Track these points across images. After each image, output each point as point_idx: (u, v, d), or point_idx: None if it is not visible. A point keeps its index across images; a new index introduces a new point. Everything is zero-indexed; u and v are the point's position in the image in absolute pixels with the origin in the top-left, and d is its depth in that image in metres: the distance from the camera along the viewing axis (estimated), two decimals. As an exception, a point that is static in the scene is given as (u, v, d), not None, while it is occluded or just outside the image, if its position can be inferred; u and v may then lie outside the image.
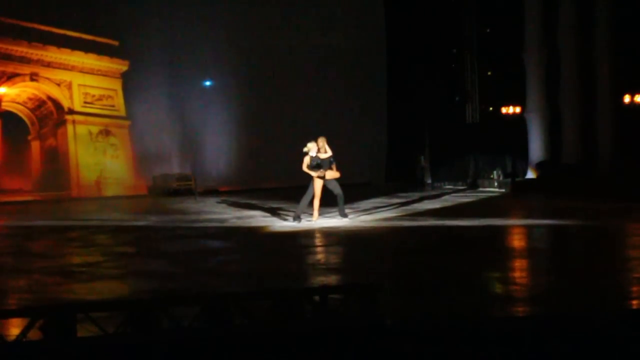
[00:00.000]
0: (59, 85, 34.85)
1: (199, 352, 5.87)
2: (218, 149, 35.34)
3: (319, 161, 17.55)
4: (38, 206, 28.49)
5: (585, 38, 28.21)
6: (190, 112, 35.15)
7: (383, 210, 20.77)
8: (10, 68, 33.73)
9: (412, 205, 22.78)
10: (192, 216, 21.25)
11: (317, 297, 6.71)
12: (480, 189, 30.31)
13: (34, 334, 6.01)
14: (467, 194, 27.67)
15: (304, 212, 18.16)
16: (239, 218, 19.99)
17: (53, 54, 34.47)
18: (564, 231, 16.36)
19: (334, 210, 18.49)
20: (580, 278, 10.27)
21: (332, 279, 10.66)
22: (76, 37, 34.79)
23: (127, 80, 35.69)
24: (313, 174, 17.54)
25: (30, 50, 33.94)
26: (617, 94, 27.40)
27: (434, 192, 28.52)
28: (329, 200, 18.37)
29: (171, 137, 35.04)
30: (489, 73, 34.96)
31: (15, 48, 33.63)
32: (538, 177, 29.00)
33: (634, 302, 8.86)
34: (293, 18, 34.76)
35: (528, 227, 17.29)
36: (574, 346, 6.14)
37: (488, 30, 34.70)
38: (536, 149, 29.92)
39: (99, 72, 35.80)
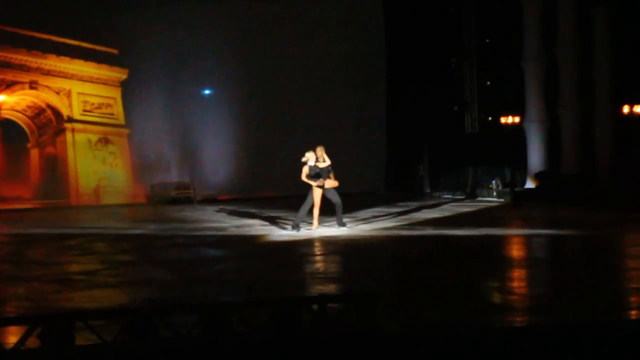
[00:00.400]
0: (58, 93, 34.85)
1: (197, 361, 5.88)
2: (217, 157, 35.30)
3: (317, 170, 17.56)
4: (37, 214, 28.48)
5: (584, 48, 28.26)
6: (190, 120, 35.13)
7: (382, 220, 20.77)
8: (9, 76, 33.73)
9: (410, 214, 22.77)
10: (190, 225, 21.24)
11: (315, 306, 6.71)
12: (479, 198, 30.31)
13: (33, 342, 6.01)
14: (466, 204, 27.67)
15: (303, 221, 18.16)
16: (237, 227, 19.99)
17: (52, 62, 34.47)
18: (562, 241, 16.36)
19: (333, 219, 18.48)
20: (579, 288, 10.26)
21: (330, 288, 10.65)
22: (75, 45, 34.80)
23: (127, 89, 35.68)
24: (312, 183, 17.55)
25: (30, 58, 33.95)
26: (616, 104, 27.43)
27: (432, 202, 28.51)
28: (327, 210, 18.37)
29: (170, 146, 35.02)
30: (488, 83, 35.00)
31: (14, 56, 33.64)
32: (537, 186, 29.01)
33: (633, 312, 8.85)
34: (292, 28, 34.77)
35: (526, 237, 17.29)
36: (573, 356, 6.14)
37: (487, 40, 34.75)
38: (535, 158, 29.93)
39: (99, 81, 35.79)
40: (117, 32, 34.03)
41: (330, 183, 17.68)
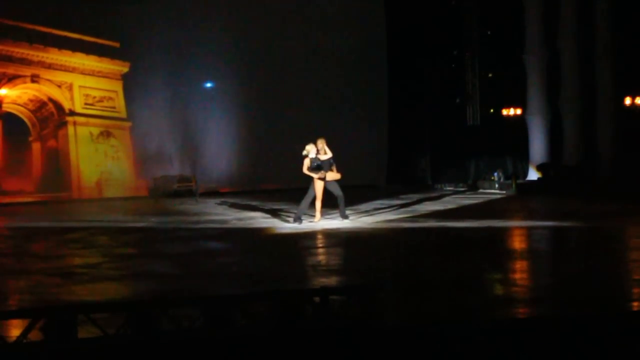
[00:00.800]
0: (59, 86, 34.86)
1: (199, 354, 5.87)
2: (219, 150, 35.32)
3: (319, 162, 17.55)
4: (39, 207, 28.48)
5: (586, 40, 28.22)
6: (191, 113, 35.15)
7: (384, 212, 20.76)
8: (11, 70, 33.74)
9: (412, 206, 22.77)
10: (192, 217, 21.24)
11: (317, 298, 6.70)
12: (481, 190, 30.30)
13: (35, 335, 6.01)
14: (468, 196, 27.66)
15: (305, 214, 18.16)
16: (239, 219, 19.99)
17: (54, 56, 34.48)
18: (564, 233, 16.35)
19: (335, 211, 18.48)
20: (581, 280, 10.25)
21: (332, 280, 10.65)
22: (77, 39, 34.81)
23: (128, 82, 35.71)
24: (314, 175, 17.53)
25: (31, 52, 33.96)
26: (618, 96, 27.40)
27: (434, 194, 28.49)
28: (329, 202, 18.36)
29: (172, 139, 35.04)
30: (490, 75, 34.97)
31: (16, 50, 33.64)
32: (539, 178, 29.00)
33: (635, 304, 8.84)
34: (294, 20, 34.76)
35: (528, 229, 17.27)
36: (575, 347, 6.14)
37: (489, 33, 34.71)
38: (537, 150, 29.93)
39: (100, 74, 35.81)
40: (119, 26, 34.03)
41: (332, 175, 17.67)
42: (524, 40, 30.40)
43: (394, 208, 22.11)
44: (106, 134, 35.62)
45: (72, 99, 34.87)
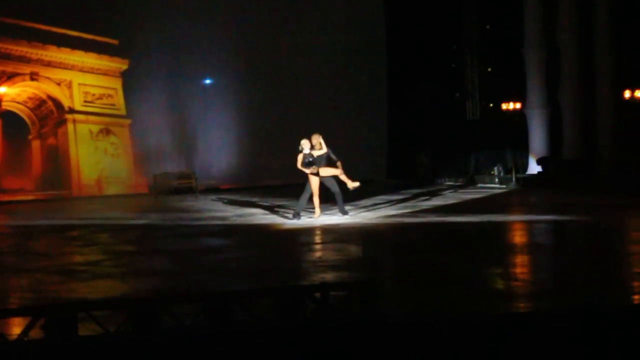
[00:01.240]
0: (59, 84, 34.85)
1: (200, 350, 5.88)
2: (219, 146, 35.34)
3: (311, 158, 17.56)
4: (39, 205, 28.49)
5: (585, 34, 28.22)
6: (191, 110, 35.16)
7: (384, 207, 20.77)
8: (10, 68, 33.73)
9: (412, 201, 22.77)
10: (193, 214, 21.26)
11: (318, 294, 6.71)
12: (481, 185, 30.29)
13: (36, 333, 6.01)
14: (468, 190, 27.66)
15: (304, 210, 18.17)
16: (239, 216, 20.00)
17: (53, 53, 34.47)
18: (565, 227, 16.36)
19: (335, 207, 18.48)
20: (582, 273, 10.26)
21: (333, 276, 10.65)
22: (76, 37, 34.79)
23: (127, 79, 35.70)
24: (306, 170, 17.57)
25: (30, 50, 33.94)
26: (617, 89, 27.40)
27: (434, 189, 28.50)
28: (330, 198, 18.37)
29: (171, 136, 35.06)
30: (489, 69, 34.97)
31: (15, 48, 33.63)
32: (538, 172, 29.01)
33: (636, 297, 8.85)
34: (292, 16, 34.76)
35: (529, 223, 17.27)
36: (576, 341, 6.14)
37: (488, 27, 34.70)
38: (537, 144, 29.95)
39: (99, 71, 35.80)
40: (118, 23, 34.02)
41: (327, 171, 17.64)
42: (524, 34, 30.40)
43: (394, 203, 22.12)
44: (106, 131, 35.62)
45: (71, 96, 34.85)
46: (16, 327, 6.66)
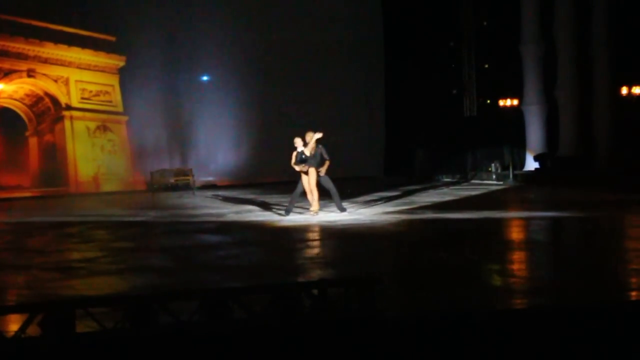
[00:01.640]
0: (56, 81, 34.80)
1: (197, 346, 5.88)
2: (216, 143, 35.31)
3: (303, 157, 17.60)
4: (36, 202, 28.48)
5: (582, 30, 28.22)
6: (188, 107, 35.13)
7: (381, 204, 20.77)
8: (7, 64, 33.68)
9: (410, 198, 22.77)
10: (190, 211, 21.25)
11: (315, 291, 6.71)
12: (479, 181, 30.30)
13: (33, 330, 6.01)
14: (465, 187, 27.67)
15: (297, 207, 18.21)
16: (237, 213, 19.99)
17: (50, 50, 34.42)
18: (562, 223, 16.37)
19: (333, 204, 18.48)
20: (579, 270, 10.27)
21: (331, 272, 10.66)
22: (73, 33, 34.74)
23: (124, 76, 35.65)
24: (296, 168, 17.65)
25: (27, 47, 33.89)
26: (614, 86, 27.41)
27: (431, 186, 28.51)
28: (328, 195, 18.39)
29: (169, 132, 35.02)
30: (487, 66, 34.97)
31: (12, 44, 33.58)
32: (536, 169, 29.02)
33: (633, 293, 8.87)
34: (290, 11, 34.68)
35: (526, 220, 17.30)
36: (574, 337, 6.15)
37: (485, 23, 34.70)
38: (534, 141, 29.96)
39: (96, 68, 35.74)
40: (114, 20, 33.96)
41: (312, 174, 17.65)
42: (521, 30, 30.40)
43: (392, 200, 22.12)
44: (103, 128, 35.57)
45: (68, 93, 34.80)
46: (14, 324, 6.66)
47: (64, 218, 20.77)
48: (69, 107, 34.86)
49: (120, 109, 35.99)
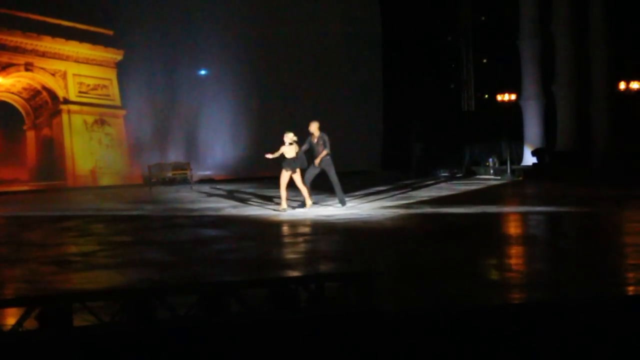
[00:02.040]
0: (53, 75, 34.77)
1: (195, 341, 5.87)
2: (214, 137, 35.29)
3: (289, 156, 17.82)
4: (34, 196, 28.46)
5: (580, 25, 28.21)
6: (186, 101, 35.12)
7: (379, 199, 20.76)
8: (4, 58, 33.65)
9: (407, 193, 22.78)
10: (187, 205, 21.24)
11: (313, 285, 6.71)
12: (476, 176, 30.32)
13: (30, 324, 6.01)
14: (463, 182, 27.68)
15: (309, 198, 18.27)
16: (234, 207, 19.99)
17: (47, 44, 34.38)
18: (559, 218, 16.38)
19: (330, 198, 18.49)
20: (576, 265, 10.28)
21: (328, 267, 10.66)
22: (70, 27, 34.70)
23: (122, 70, 35.62)
24: (269, 156, 17.87)
25: (25, 40, 33.85)
26: (612, 81, 27.42)
27: (429, 180, 28.52)
28: (329, 189, 18.40)
29: (166, 126, 34.99)
30: (484, 61, 34.97)
31: (9, 38, 33.54)
32: (533, 164, 29.01)
33: (630, 288, 8.87)
34: (288, 6, 34.67)
35: (523, 214, 17.30)
36: (571, 332, 6.15)
37: (483, 18, 34.70)
38: (532, 136, 29.96)
39: (94, 62, 35.71)
40: (112, 13, 33.93)
41: (285, 173, 17.77)
42: (519, 25, 30.39)
43: (389, 194, 22.13)
44: (100, 122, 35.54)
45: (66, 87, 34.77)
46: (10, 318, 6.66)
47: (62, 212, 20.76)
48: (66, 101, 34.83)
49: (117, 102, 35.97)
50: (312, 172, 18.07)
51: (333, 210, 17.74)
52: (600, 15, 27.60)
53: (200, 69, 36.73)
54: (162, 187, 29.76)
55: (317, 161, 17.82)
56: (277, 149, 17.84)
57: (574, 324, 6.29)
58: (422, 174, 31.57)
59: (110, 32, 35.33)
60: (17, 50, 33.92)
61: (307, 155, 17.95)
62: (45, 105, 35.44)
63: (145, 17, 33.29)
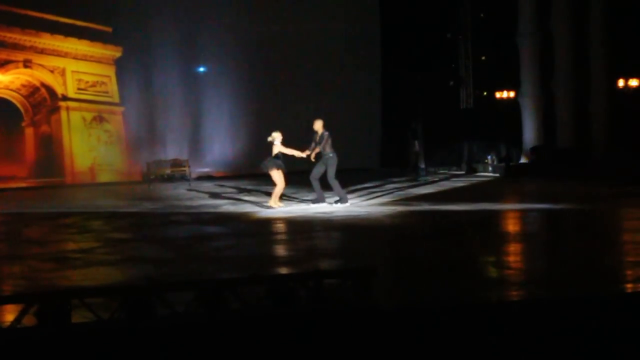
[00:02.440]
0: (52, 71, 34.74)
1: (193, 337, 5.88)
2: (212, 134, 35.25)
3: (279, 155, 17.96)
4: (32, 193, 28.47)
5: (579, 22, 28.18)
6: (184, 98, 35.07)
7: (377, 196, 20.77)
8: (3, 55, 33.62)
9: (406, 190, 22.77)
10: (186, 202, 21.24)
11: (312, 283, 6.71)
12: (475, 173, 30.31)
13: (29, 320, 6.01)
14: (461, 179, 27.69)
15: (323, 196, 18.36)
16: (233, 204, 19.99)
17: (46, 41, 34.35)
18: (558, 215, 16.38)
19: (329, 194, 18.49)
20: (575, 262, 10.28)
21: (326, 264, 10.66)
22: (69, 24, 34.66)
23: (121, 67, 35.58)
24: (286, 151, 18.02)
25: (24, 37, 33.81)
26: (611, 78, 27.40)
27: (428, 177, 28.53)
28: (324, 186, 18.40)
29: (165, 124, 34.95)
30: (483, 58, 34.91)
31: (8, 35, 33.51)
32: (532, 161, 28.99)
33: (629, 285, 8.87)
34: (287, 3, 34.64)
35: (522, 212, 17.31)
36: (569, 329, 6.16)
37: (482, 15, 34.64)
38: (530, 133, 29.92)
39: (93, 59, 35.67)
40: (111, 10, 33.89)
41: (275, 173, 17.89)
42: (518, 22, 30.34)
43: (388, 191, 22.13)
44: (99, 119, 35.50)
45: (64, 84, 34.73)
46: (9, 315, 6.66)
47: (60, 209, 20.75)
48: (65, 98, 34.80)
49: (116, 99, 35.94)
50: (318, 170, 18.18)
51: (331, 207, 17.74)
52: (599, 12, 27.56)
53: (199, 66, 36.69)
54: (160, 184, 29.74)
55: (307, 153, 18.02)
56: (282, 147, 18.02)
57: (573, 320, 6.30)
58: (421, 171, 31.56)
59: (109, 29, 35.29)
60: (16, 47, 33.89)
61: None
62: (44, 102, 35.41)
63: (144, 14, 33.25)
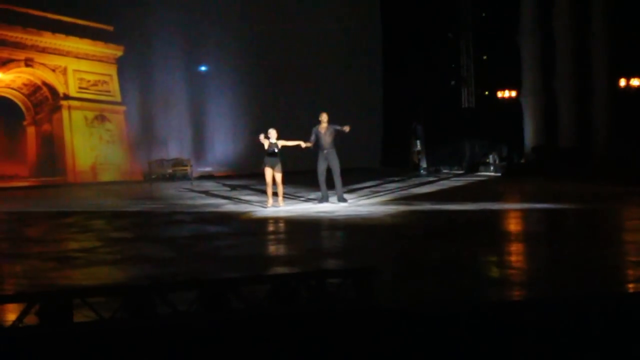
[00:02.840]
0: (54, 70, 34.78)
1: (195, 337, 5.88)
2: (214, 133, 35.31)
3: (275, 149, 18.05)
4: (34, 192, 28.47)
5: (581, 21, 28.16)
6: (186, 97, 35.11)
7: (379, 195, 20.77)
8: (5, 54, 33.66)
9: (407, 189, 22.78)
10: (187, 201, 21.24)
11: (313, 282, 6.71)
12: (476, 173, 30.29)
13: (31, 320, 6.01)
14: (463, 178, 27.68)
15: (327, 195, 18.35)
16: (235, 203, 19.99)
17: (48, 40, 34.39)
18: (560, 215, 16.38)
19: (330, 192, 18.50)
20: (577, 262, 10.27)
21: (328, 263, 10.66)
22: (71, 23, 34.70)
23: (122, 66, 35.62)
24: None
25: (25, 36, 33.85)
26: (613, 78, 27.38)
27: (429, 177, 28.53)
28: (328, 185, 18.42)
29: (166, 123, 35.00)
30: (485, 57, 34.90)
31: (9, 34, 33.55)
32: (534, 160, 28.97)
33: (630, 285, 8.87)
34: (288, 3, 34.65)
35: (524, 211, 17.30)
36: (571, 329, 6.16)
37: (484, 14, 34.63)
38: (532, 132, 29.90)
39: (94, 58, 35.71)
40: (112, 9, 33.91)
41: (268, 170, 17.98)
42: (519, 21, 30.32)
43: (389, 191, 22.13)
44: (101, 118, 35.55)
45: (66, 83, 34.78)
46: (11, 314, 6.66)
47: (62, 208, 20.75)
48: (66, 97, 34.85)
49: (118, 98, 35.98)
50: (322, 167, 18.23)
51: (333, 206, 17.75)
52: (601, 11, 27.54)
53: (201, 65, 36.73)
54: (162, 183, 29.75)
55: (302, 144, 18.16)
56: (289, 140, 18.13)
57: (574, 320, 6.29)
58: (422, 171, 31.57)
59: (111, 28, 35.33)
60: (18, 45, 33.94)
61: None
62: (46, 101, 35.46)
63: (145, 13, 33.28)
